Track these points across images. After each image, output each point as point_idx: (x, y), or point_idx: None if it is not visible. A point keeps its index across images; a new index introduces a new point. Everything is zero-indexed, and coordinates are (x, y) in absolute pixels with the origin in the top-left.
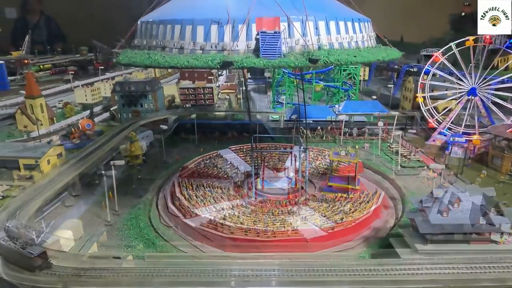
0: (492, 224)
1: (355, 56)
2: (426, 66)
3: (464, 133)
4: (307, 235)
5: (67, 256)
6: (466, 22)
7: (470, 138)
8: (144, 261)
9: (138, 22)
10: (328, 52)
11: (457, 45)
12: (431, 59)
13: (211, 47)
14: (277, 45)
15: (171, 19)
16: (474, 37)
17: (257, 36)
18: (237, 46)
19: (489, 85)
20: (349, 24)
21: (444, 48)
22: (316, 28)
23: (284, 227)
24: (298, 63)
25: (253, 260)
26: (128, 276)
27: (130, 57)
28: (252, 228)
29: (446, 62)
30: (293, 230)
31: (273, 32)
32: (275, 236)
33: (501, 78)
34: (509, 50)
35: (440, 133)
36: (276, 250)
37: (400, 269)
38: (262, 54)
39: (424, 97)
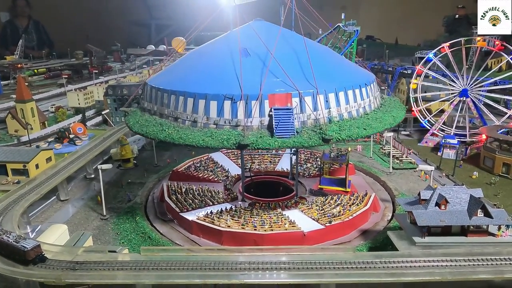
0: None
1: (364, 129)
2: (413, 81)
3: (456, 135)
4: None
5: (61, 249)
6: (460, 24)
7: (472, 140)
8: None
9: (147, 84)
10: (339, 127)
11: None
12: (415, 72)
13: (225, 122)
14: (290, 121)
15: (183, 91)
16: (449, 43)
17: (270, 113)
18: (251, 122)
19: (481, 86)
20: (357, 91)
21: (424, 60)
22: (327, 101)
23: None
24: (312, 142)
25: (250, 253)
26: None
27: (142, 125)
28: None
29: (430, 72)
30: (290, 223)
31: (285, 108)
32: (272, 230)
33: (488, 74)
34: (502, 52)
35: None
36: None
37: (398, 262)
38: (277, 133)
39: (420, 110)
